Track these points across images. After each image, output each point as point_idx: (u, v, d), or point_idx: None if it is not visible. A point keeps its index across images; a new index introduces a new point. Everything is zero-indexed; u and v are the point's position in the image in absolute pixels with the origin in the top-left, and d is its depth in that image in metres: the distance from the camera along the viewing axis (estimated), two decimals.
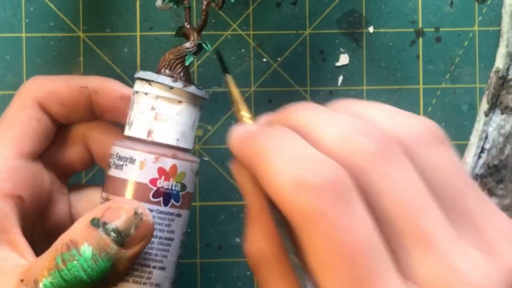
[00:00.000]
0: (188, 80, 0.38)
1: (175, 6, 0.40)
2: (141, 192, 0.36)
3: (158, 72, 0.38)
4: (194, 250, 0.48)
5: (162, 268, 0.37)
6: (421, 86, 0.48)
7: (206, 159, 0.48)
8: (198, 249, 0.48)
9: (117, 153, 0.37)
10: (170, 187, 0.37)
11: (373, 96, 0.48)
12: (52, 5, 0.48)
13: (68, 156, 0.41)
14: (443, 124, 0.48)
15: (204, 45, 0.39)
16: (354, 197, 0.27)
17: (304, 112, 0.30)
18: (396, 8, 0.48)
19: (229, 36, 0.48)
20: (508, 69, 0.47)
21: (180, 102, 0.37)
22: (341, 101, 0.32)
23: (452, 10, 0.48)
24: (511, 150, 0.47)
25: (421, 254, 0.27)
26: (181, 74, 0.38)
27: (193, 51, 0.39)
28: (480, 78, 0.48)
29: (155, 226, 0.36)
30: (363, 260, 0.26)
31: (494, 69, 0.47)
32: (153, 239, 0.36)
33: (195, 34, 0.39)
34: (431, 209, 0.27)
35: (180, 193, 0.37)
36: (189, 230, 0.48)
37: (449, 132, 0.48)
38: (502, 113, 0.47)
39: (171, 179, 0.37)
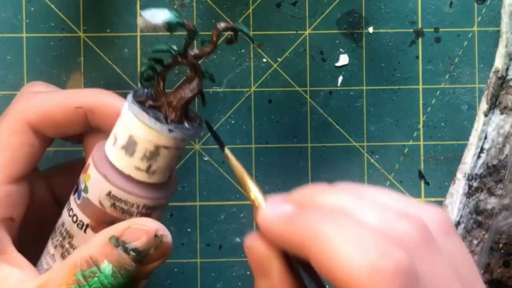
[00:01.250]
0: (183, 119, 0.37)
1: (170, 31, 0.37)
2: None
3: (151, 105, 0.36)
4: (194, 250, 0.48)
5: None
6: (420, 86, 0.48)
7: (206, 159, 0.48)
8: (198, 249, 0.48)
9: (113, 194, 0.36)
10: (80, 181, 0.37)
11: (373, 96, 0.48)
12: (52, 6, 0.48)
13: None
14: (442, 124, 0.48)
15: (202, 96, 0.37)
16: (419, 284, 0.28)
17: (332, 195, 0.31)
18: (395, 8, 0.48)
19: (229, 36, 0.48)
20: (507, 69, 0.47)
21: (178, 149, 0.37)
22: (347, 185, 0.33)
23: (451, 11, 0.48)
24: (510, 150, 0.47)
25: None
26: (180, 117, 0.36)
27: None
28: (479, 78, 0.48)
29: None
30: None
31: (493, 69, 0.47)
32: None
33: (198, 80, 0.37)
34: None
35: (83, 195, 0.37)
36: (189, 230, 0.48)
37: (448, 132, 0.48)
38: (502, 113, 0.47)
39: (82, 174, 0.37)
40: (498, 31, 0.48)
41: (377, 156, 0.48)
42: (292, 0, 0.48)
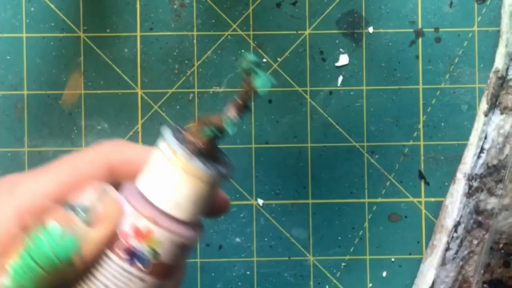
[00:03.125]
0: (213, 156, 0.35)
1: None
2: (113, 239, 0.35)
3: (185, 133, 0.35)
4: (194, 250, 0.48)
5: None
6: (420, 86, 0.48)
7: None
8: (198, 249, 0.48)
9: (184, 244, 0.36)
10: (138, 249, 0.35)
11: (373, 96, 0.48)
12: (52, 6, 0.48)
13: None
14: (442, 124, 0.48)
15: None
16: None
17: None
18: (395, 8, 0.48)
19: (229, 36, 0.48)
20: (507, 69, 0.47)
21: (185, 171, 0.35)
22: None
23: (451, 11, 0.48)
24: (510, 150, 0.47)
25: None
26: (206, 146, 0.35)
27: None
28: (479, 78, 0.48)
29: (113, 279, 0.35)
30: None
31: (493, 69, 0.47)
32: None
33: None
34: None
35: (151, 260, 0.35)
36: None
37: (448, 132, 0.48)
38: (502, 113, 0.47)
39: (143, 242, 0.35)
40: (498, 31, 0.48)
41: (377, 156, 0.48)
42: (292, 0, 0.48)
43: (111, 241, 0.34)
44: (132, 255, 0.35)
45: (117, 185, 0.37)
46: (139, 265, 0.35)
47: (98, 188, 0.35)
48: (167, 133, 0.35)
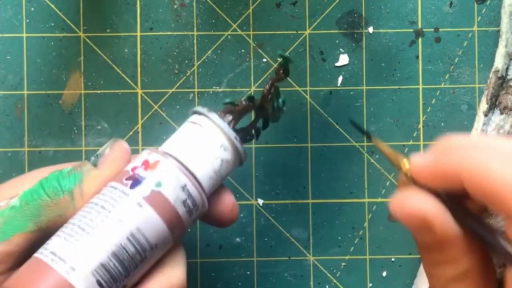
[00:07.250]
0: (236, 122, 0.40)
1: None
2: (117, 177, 0.37)
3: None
4: (194, 250, 0.48)
5: (89, 234, 0.35)
6: (420, 86, 0.48)
7: None
8: (198, 249, 0.48)
9: (186, 189, 0.38)
10: (142, 175, 0.37)
11: (373, 96, 0.48)
12: (52, 6, 0.48)
13: None
14: (442, 124, 0.48)
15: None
16: None
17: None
18: (395, 8, 0.48)
19: (229, 36, 0.48)
20: (507, 69, 0.47)
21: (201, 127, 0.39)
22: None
23: (451, 11, 0.48)
24: None
25: None
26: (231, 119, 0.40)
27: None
28: (479, 78, 0.48)
29: (111, 200, 0.36)
30: None
31: (493, 69, 0.47)
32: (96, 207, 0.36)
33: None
34: None
35: (151, 187, 0.36)
36: (189, 230, 0.48)
37: (448, 132, 0.48)
38: (501, 113, 0.47)
39: (149, 170, 0.37)
40: (498, 31, 0.48)
41: (377, 156, 0.48)
42: (292, 0, 0.48)
43: (113, 178, 0.37)
44: (135, 180, 0.37)
45: None
46: (140, 189, 0.36)
47: (112, 139, 0.39)
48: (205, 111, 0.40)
